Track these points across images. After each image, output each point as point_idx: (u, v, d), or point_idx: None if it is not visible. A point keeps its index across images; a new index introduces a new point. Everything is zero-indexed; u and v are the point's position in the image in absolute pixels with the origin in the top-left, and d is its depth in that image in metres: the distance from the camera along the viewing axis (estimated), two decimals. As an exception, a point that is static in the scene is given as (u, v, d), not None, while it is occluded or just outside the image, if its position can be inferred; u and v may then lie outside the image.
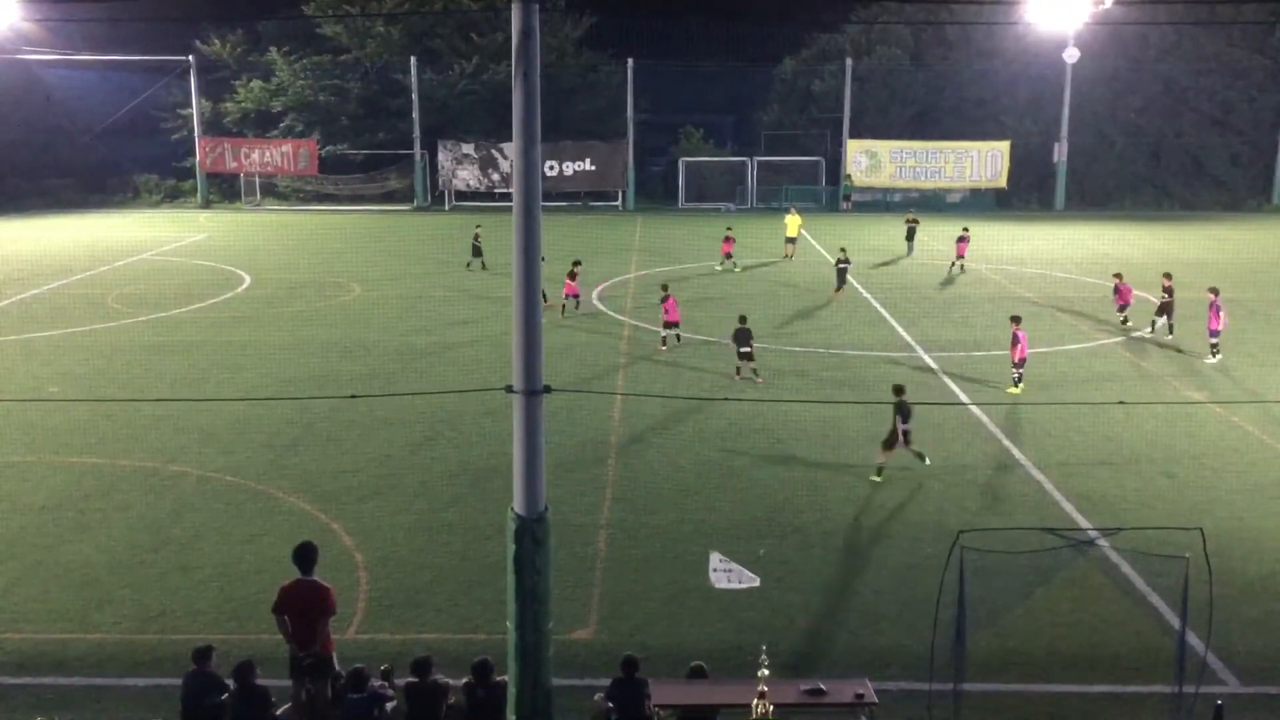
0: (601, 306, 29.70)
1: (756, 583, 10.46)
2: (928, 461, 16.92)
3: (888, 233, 43.97)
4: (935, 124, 57.21)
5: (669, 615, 12.47)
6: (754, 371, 21.96)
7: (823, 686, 9.82)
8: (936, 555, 13.23)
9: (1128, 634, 12.02)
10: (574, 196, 54.48)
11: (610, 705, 9.67)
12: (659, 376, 22.51)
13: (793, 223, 38.64)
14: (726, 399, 19.65)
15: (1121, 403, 19.95)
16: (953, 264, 35.28)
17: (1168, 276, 26.21)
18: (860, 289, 32.35)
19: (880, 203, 56.01)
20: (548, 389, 9.35)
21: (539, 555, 9.39)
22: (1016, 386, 21.24)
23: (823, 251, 39.88)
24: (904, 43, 58.05)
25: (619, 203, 54.92)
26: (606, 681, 10.02)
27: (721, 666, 10.94)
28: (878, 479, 16.54)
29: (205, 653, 10.03)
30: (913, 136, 56.45)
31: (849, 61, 55.71)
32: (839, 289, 31.53)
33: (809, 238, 42.29)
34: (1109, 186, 57.83)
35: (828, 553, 14.11)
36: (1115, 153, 57.53)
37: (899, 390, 16.84)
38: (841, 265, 31.68)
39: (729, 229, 37.88)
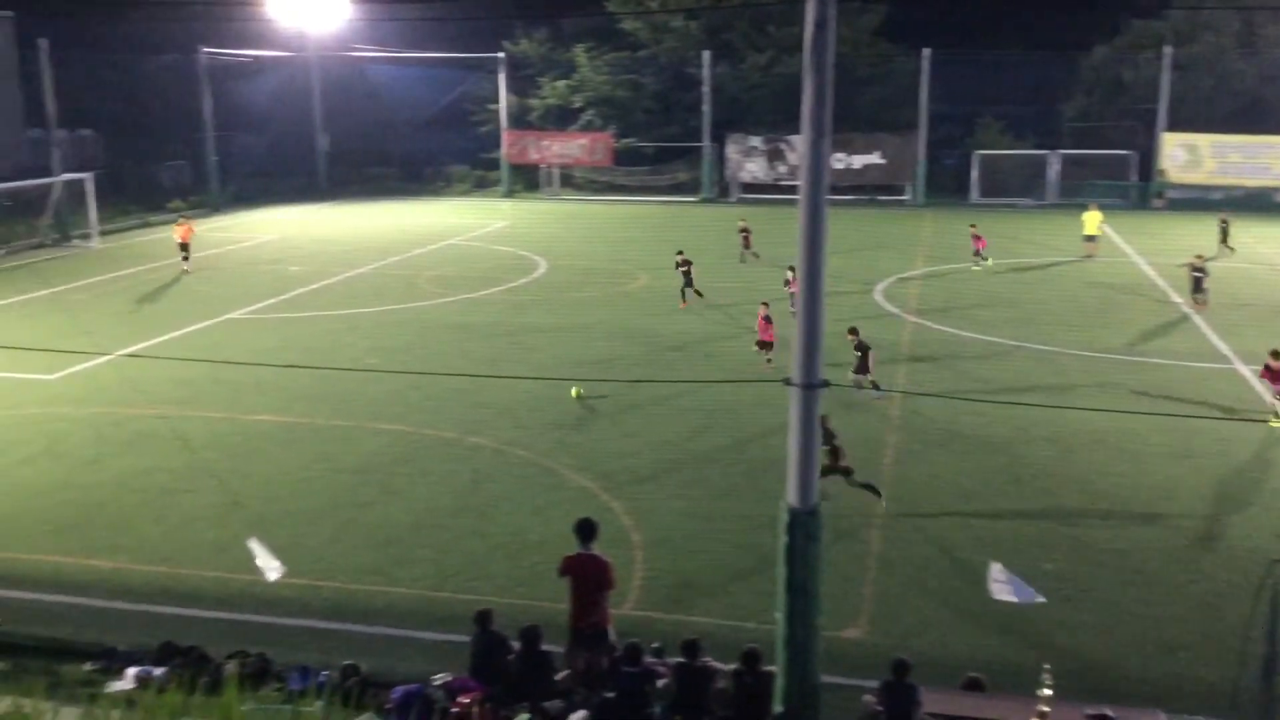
0: (885, 304, 29.15)
1: (1040, 599, 10.01)
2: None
3: (1205, 233, 40.64)
4: (1266, 116, 52.18)
5: (943, 622, 12.14)
6: (873, 385, 20.35)
7: (1110, 714, 9.24)
8: (1245, 584, 12.21)
9: None
10: (861, 190, 53.62)
11: (880, 708, 9.53)
12: (942, 376, 21.87)
13: (1091, 219, 36.37)
14: (1013, 403, 18.83)
15: None
16: None
17: None
18: (1170, 292, 30.07)
19: (1198, 200, 51.73)
20: (826, 383, 9.32)
21: (811, 549, 9.38)
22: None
23: (1128, 251, 37.39)
24: (1233, 28, 53.27)
25: (908, 196, 53.60)
26: (875, 683, 9.89)
27: (997, 681, 10.54)
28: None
29: (486, 615, 10.68)
30: (1238, 130, 51.77)
31: (1168, 49, 51.77)
32: (1196, 297, 27.70)
33: (1114, 236, 39.75)
34: None
35: (1121, 573, 13.28)
36: None
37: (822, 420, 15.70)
38: (1196, 273, 27.69)
39: (973, 225, 35.71)
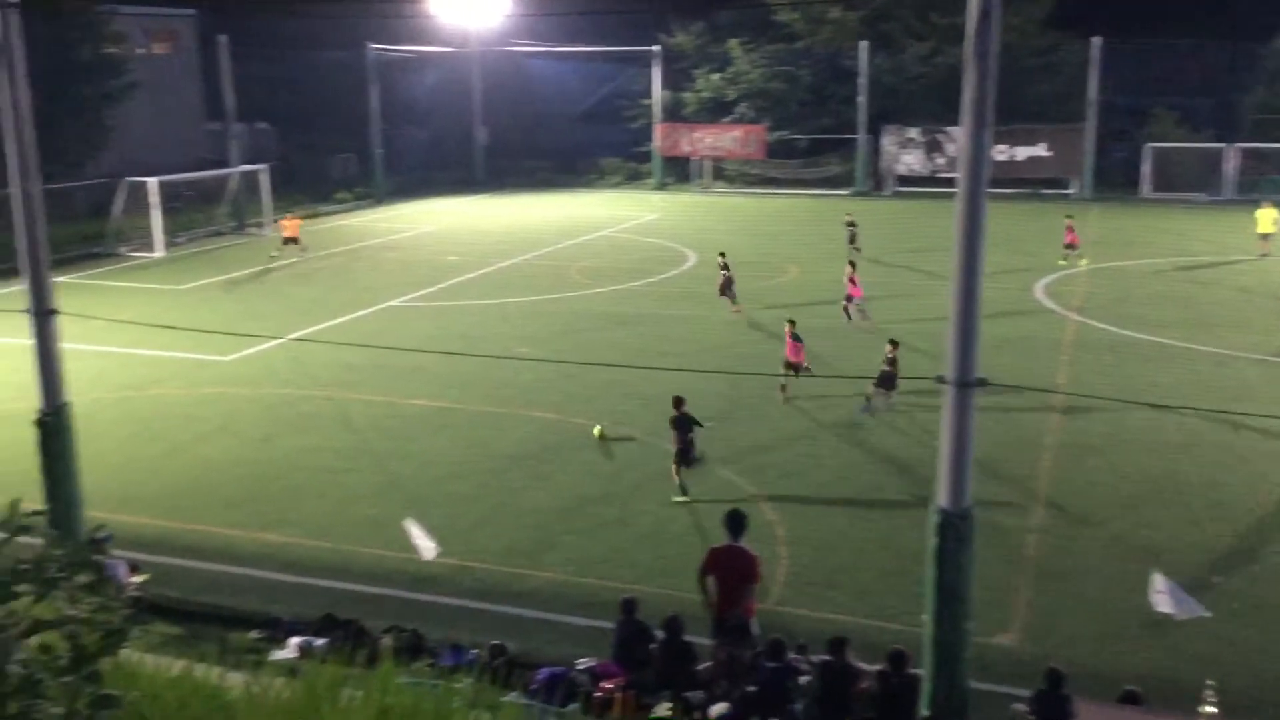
0: (1045, 301, 28.18)
1: (1205, 613, 9.55)
2: (681, 498, 15.09)
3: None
4: None
5: (1099, 633, 11.69)
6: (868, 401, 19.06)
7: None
8: None
9: None
10: (1024, 183, 51.87)
11: (1032, 718, 9.26)
12: (1107, 378, 21.01)
13: (1265, 216, 34.30)
14: (1185, 408, 17.97)
15: None
16: None
17: None
18: (1360, 295, 28.19)
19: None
20: (982, 382, 9.09)
21: (962, 552, 9.17)
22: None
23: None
24: None
25: (1074, 190, 51.62)
26: (1026, 692, 9.61)
27: (1156, 696, 10.10)
28: (681, 499, 15.03)
29: (631, 604, 10.81)
30: None
31: (1364, 34, 48.45)
32: None
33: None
34: None
35: (1296, 589, 12.56)
36: None
37: (679, 402, 15.71)
38: None
39: (1069, 217, 33.96)
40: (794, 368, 19.86)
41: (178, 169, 43.97)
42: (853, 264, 26.42)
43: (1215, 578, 12.72)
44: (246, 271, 33.38)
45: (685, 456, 15.65)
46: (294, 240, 34.85)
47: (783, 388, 19.89)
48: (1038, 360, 22.20)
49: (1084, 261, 32.74)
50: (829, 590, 12.71)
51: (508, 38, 58.89)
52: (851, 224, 34.81)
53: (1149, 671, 10.80)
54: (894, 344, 19.23)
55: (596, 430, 17.56)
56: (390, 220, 45.94)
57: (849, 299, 25.60)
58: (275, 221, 37.14)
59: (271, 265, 34.02)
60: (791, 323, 20.27)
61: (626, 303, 28.33)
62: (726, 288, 26.73)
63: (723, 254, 27.92)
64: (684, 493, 15.27)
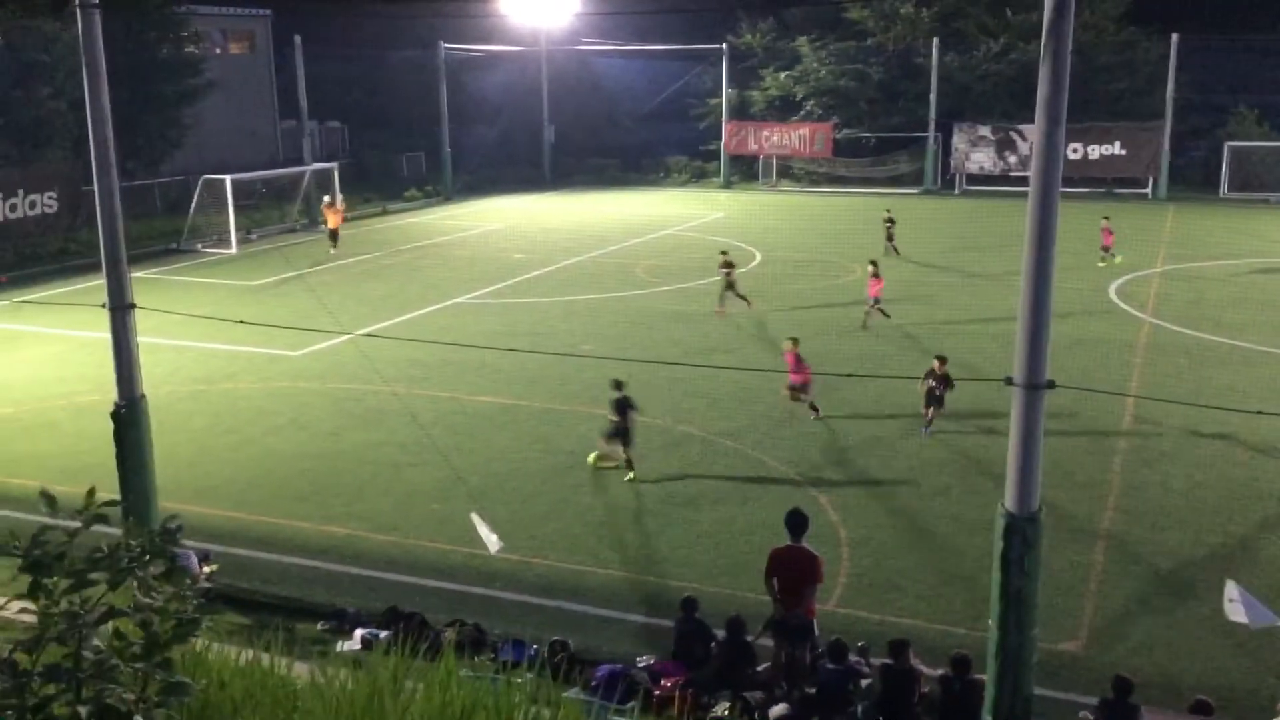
0: (1119, 302, 27.63)
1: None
2: (628, 476, 15.87)
3: None
4: None
5: (1170, 641, 11.45)
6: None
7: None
8: None
9: None
10: (1097, 182, 50.89)
11: (1096, 726, 9.11)
12: (1181, 382, 20.55)
13: None
14: (1262, 413, 17.49)
15: None
16: None
17: None
18: None
19: None
20: (1051, 384, 8.94)
21: (1029, 556, 9.03)
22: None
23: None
24: None
25: (1148, 190, 50.52)
26: (1093, 700, 9.44)
27: (1229, 707, 9.88)
28: (601, 465, 16.21)
29: (692, 603, 10.81)
30: None
31: None
32: None
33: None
34: None
35: (1377, 602, 12.18)
36: None
37: (618, 385, 16.30)
38: None
39: (1106, 218, 33.14)
40: (799, 390, 18.51)
41: (252, 167, 44.87)
42: (874, 263, 25.63)
43: (1293, 588, 12.40)
44: (318, 268, 33.93)
45: (624, 436, 16.13)
46: (335, 233, 35.42)
47: (800, 400, 18.62)
48: (1110, 362, 21.78)
49: (1119, 260, 32.12)
50: (891, 593, 12.60)
51: (576, 36, 59.17)
52: (890, 221, 34.58)
53: (1220, 681, 10.56)
54: (941, 360, 18.02)
55: (590, 458, 16.53)
56: (458, 218, 46.39)
57: (874, 300, 25.01)
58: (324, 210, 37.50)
59: (329, 261, 34.53)
60: (794, 340, 18.87)
61: (691, 301, 28.30)
62: (731, 285, 26.34)
63: (724, 252, 27.71)
64: (622, 465, 16.09)
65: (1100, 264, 31.90)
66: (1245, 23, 47.11)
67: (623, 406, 16.15)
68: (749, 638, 10.56)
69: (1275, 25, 47.87)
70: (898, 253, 33.96)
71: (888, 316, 24.97)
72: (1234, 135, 51.02)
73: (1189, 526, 14.18)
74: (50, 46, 37.23)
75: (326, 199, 38.26)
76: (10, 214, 36.18)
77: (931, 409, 17.83)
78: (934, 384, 17.83)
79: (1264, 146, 50.37)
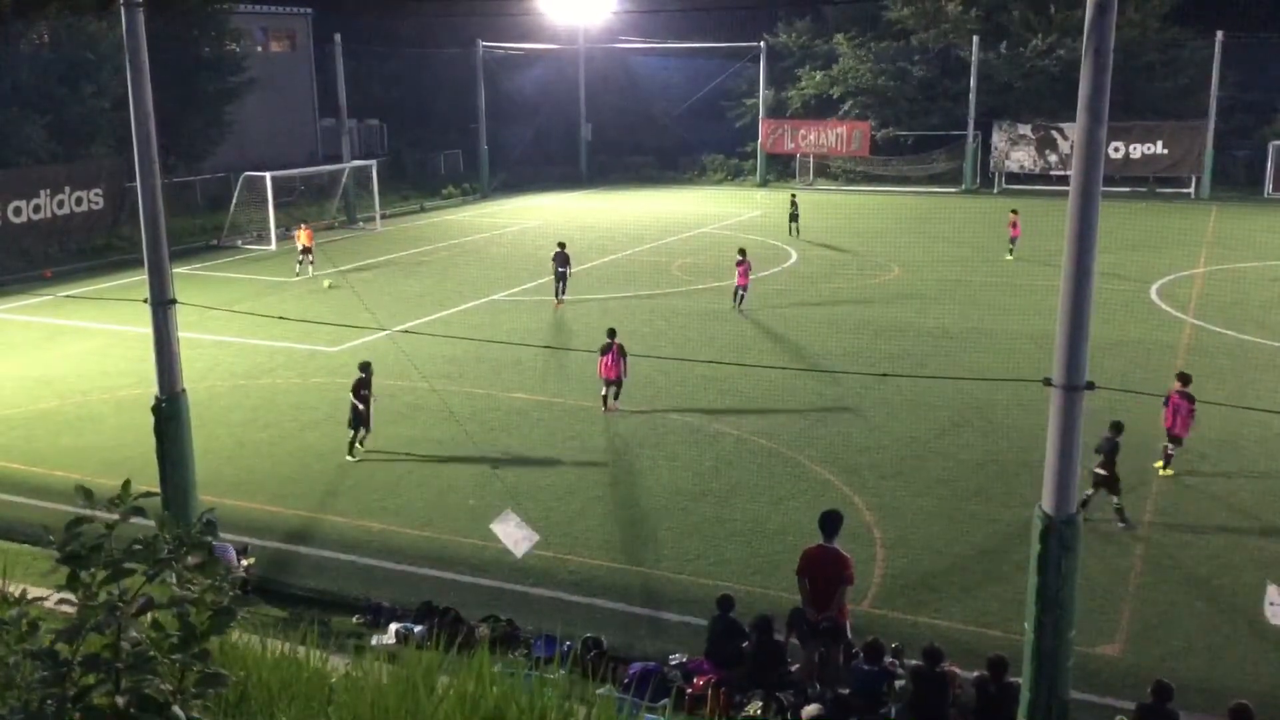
0: (1160, 303, 27.28)
1: (1324, 628, 9.17)
2: (350, 456, 16.71)
3: None
4: None
5: (1209, 646, 11.30)
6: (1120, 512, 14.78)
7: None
8: None
9: None
10: (1139, 181, 50.27)
11: (1135, 731, 9.00)
12: (1223, 384, 20.26)
13: None
14: (1306, 417, 17.22)
15: None
16: None
17: None
18: None
19: None
20: (1091, 385, 8.85)
21: (1066, 559, 8.95)
22: (1166, 467, 15.99)
23: None
24: None
25: (1191, 190, 49.83)
26: (1131, 705, 9.34)
27: (1268, 713, 9.73)
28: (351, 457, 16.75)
29: (728, 602, 10.79)
30: None
31: None
32: None
33: None
34: None
35: None
36: None
37: (364, 368, 17.24)
38: None
39: (1013, 211, 34.30)
40: (611, 384, 18.88)
41: (292, 164, 45.26)
42: (742, 250, 27.43)
43: (1336, 594, 12.19)
44: (357, 264, 34.17)
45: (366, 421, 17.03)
46: (309, 250, 32.69)
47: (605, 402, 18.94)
48: (1150, 364, 21.52)
49: (1010, 256, 33.49)
50: (926, 594, 12.52)
51: (614, 35, 59.18)
52: (794, 204, 38.38)
53: (1262, 687, 10.41)
54: (1117, 427, 14.56)
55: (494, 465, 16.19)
56: (495, 215, 46.57)
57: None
58: (293, 232, 34.97)
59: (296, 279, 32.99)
60: (612, 339, 19.05)
61: (726, 299, 28.23)
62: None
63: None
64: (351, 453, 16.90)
65: (1008, 256, 33.40)
66: (1292, 20, 46.30)
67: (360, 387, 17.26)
68: (779, 637, 10.54)
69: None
70: (798, 234, 37.57)
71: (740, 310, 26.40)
72: (1279, 134, 50.18)
73: (1227, 531, 13.99)
74: (95, 45, 37.74)
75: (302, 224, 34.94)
76: (58, 210, 36.75)
77: (1098, 492, 14.25)
78: (1101, 471, 14.18)
79: (1311, 146, 49.46)
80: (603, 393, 19.05)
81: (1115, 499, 14.03)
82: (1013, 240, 33.83)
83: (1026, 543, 9.36)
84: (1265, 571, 12.37)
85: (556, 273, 28.10)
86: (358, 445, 17.08)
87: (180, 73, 39.56)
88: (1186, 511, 14.62)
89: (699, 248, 36.82)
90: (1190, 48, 51.39)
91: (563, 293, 28.00)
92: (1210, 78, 48.68)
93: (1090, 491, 13.79)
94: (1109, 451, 14.09)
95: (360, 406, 17.04)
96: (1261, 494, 15.17)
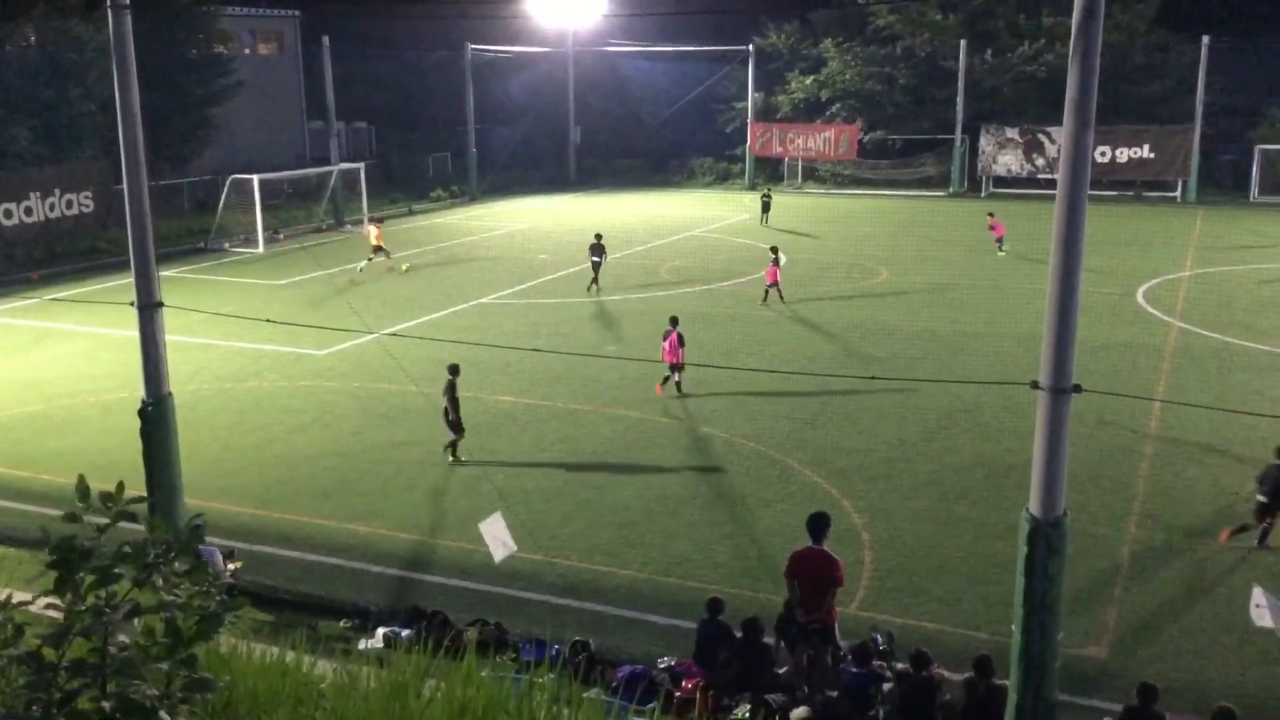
0: (1147, 306, 27.41)
1: (1308, 630, 9.22)
2: (452, 459, 16.64)
3: None
4: None
5: (1195, 648, 11.35)
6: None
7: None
8: None
9: None
10: (1126, 185, 50.50)
11: (1121, 732, 9.04)
12: (1209, 386, 20.36)
13: None
14: (1291, 419, 17.32)
15: None
16: None
17: None
18: None
19: None
20: (1078, 388, 8.89)
21: (1053, 561, 8.98)
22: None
23: None
24: None
25: (1177, 193, 50.09)
26: (1117, 706, 9.38)
27: (1253, 715, 9.78)
28: (453, 459, 16.71)
29: (717, 604, 10.80)
30: None
31: None
32: None
33: None
34: None
35: None
36: None
37: (453, 370, 16.92)
38: None
39: (990, 214, 36.41)
40: (675, 369, 20.09)
41: (280, 167, 45.14)
42: (774, 248, 28.96)
43: (1321, 596, 12.26)
44: (345, 267, 34.10)
45: (456, 426, 16.79)
46: (380, 249, 33.15)
47: (663, 382, 20.16)
48: (1138, 367, 21.63)
49: (1002, 252, 34.79)
50: (915, 596, 12.54)
51: (602, 38, 59.22)
52: (767, 196, 40.61)
53: (1246, 689, 10.46)
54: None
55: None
56: (484, 218, 46.52)
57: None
58: (366, 226, 35.98)
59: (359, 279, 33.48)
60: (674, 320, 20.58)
61: (715, 303, 28.28)
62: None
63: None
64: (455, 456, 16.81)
65: (1000, 253, 34.57)
66: (1278, 26, 46.55)
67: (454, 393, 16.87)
68: (768, 639, 10.55)
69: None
70: (767, 224, 40.52)
71: (783, 300, 27.64)
72: (1265, 138, 50.48)
73: (1215, 532, 14.04)
74: (82, 47, 37.61)
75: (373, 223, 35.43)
76: (49, 213, 36.63)
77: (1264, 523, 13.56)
78: (1261, 498, 13.65)
79: (1296, 150, 49.74)
80: (666, 376, 20.04)
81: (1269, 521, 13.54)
82: (999, 239, 34.92)
83: (1014, 545, 9.39)
84: (1251, 574, 12.44)
85: (592, 262, 29.71)
86: (455, 450, 16.79)
87: (167, 75, 39.46)
88: (1172, 513, 14.68)
89: (687, 250, 36.85)
90: (1177, 52, 51.67)
91: (597, 281, 29.62)
92: (1197, 82, 48.96)
93: (1265, 523, 13.40)
94: (1276, 480, 13.42)
95: (449, 410, 16.71)
96: (1247, 497, 15.21)
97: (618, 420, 18.82)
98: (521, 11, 54.52)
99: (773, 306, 27.51)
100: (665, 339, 20.22)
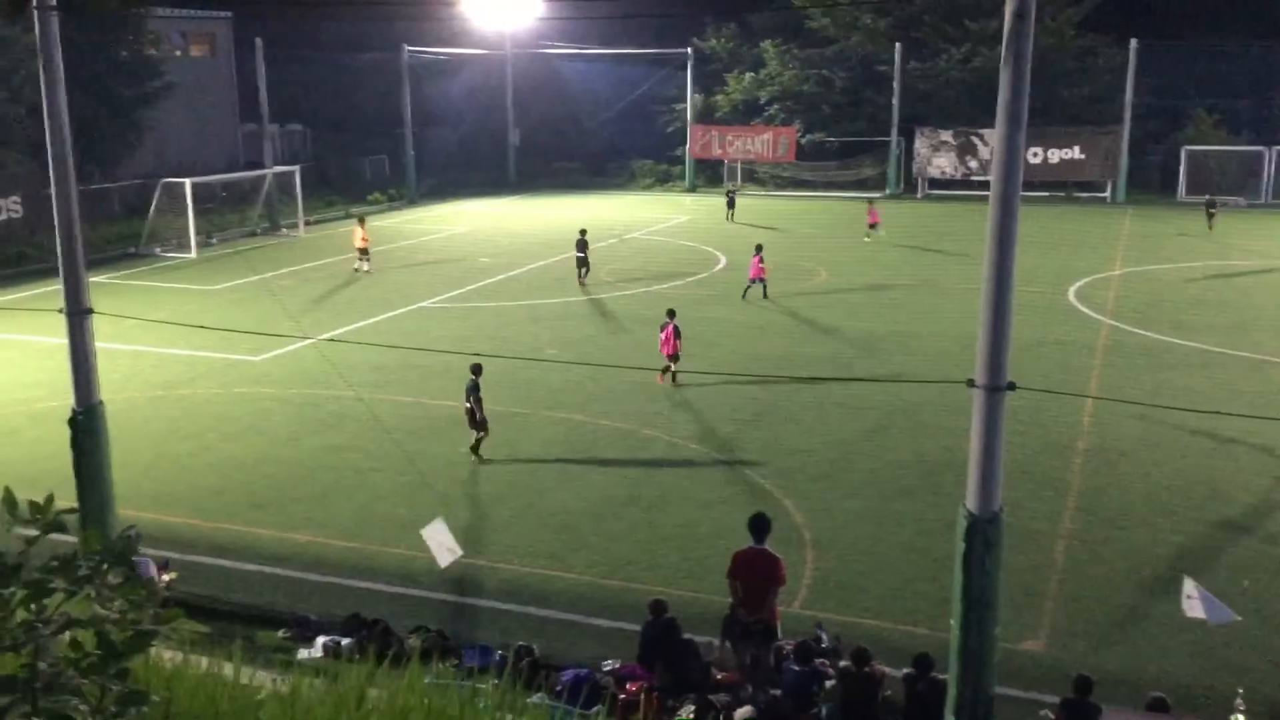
0: (1078, 305, 27.96)
1: (1236, 619, 9.46)
2: (475, 457, 16.78)
3: None
4: None
5: (1129, 639, 11.60)
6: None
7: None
8: None
9: None
10: (1057, 186, 51.49)
11: (1057, 724, 9.20)
12: (1140, 383, 20.82)
13: None
14: (1219, 413, 17.76)
15: None
16: None
17: None
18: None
19: None
20: (1012, 386, 9.03)
21: (989, 557, 9.12)
22: None
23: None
24: None
25: (1107, 194, 51.17)
26: (1055, 698, 9.54)
27: (1186, 704, 10.02)
28: (476, 458, 16.80)
29: (661, 606, 10.83)
30: None
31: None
32: None
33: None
34: None
35: (1330, 598, 12.38)
36: None
37: (476, 370, 16.84)
38: None
39: (871, 201, 39.93)
40: (672, 359, 20.73)
41: (212, 170, 44.45)
42: (759, 246, 29.33)
43: (1246, 583, 12.59)
44: (280, 272, 33.66)
45: (483, 425, 16.91)
46: (365, 251, 32.94)
47: (664, 373, 20.70)
48: (1070, 364, 22.04)
49: (883, 234, 37.81)
50: (855, 593, 12.67)
51: (540, 40, 59.08)
52: (732, 191, 42.66)
53: (1179, 679, 10.70)
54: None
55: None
56: (422, 221, 46.18)
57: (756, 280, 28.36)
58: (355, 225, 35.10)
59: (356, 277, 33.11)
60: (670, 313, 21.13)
61: (657, 305, 28.25)
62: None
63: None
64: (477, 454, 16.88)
65: (866, 239, 37.77)
66: (1203, 28, 47.80)
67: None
68: (687, 636, 10.63)
69: (1232, 30, 48.59)
70: (732, 220, 43.16)
71: (766, 297, 28.26)
72: (1192, 139, 51.75)
73: (1146, 526, 14.37)
74: (8, 49, 36.72)
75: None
76: (-21, 219, 35.71)
77: None
78: None
79: (1220, 151, 51.14)
80: (665, 367, 20.64)
81: None
82: (871, 226, 38.42)
83: (952, 542, 9.52)
84: (1182, 565, 12.73)
85: (577, 258, 30.90)
86: (478, 449, 17.01)
87: (96, 78, 38.69)
88: (1106, 508, 14.98)
89: (629, 253, 36.88)
90: (1105, 55, 52.78)
91: (584, 277, 30.83)
92: (1125, 84, 50.04)
93: None
94: None
95: (473, 409, 16.83)
96: (1178, 490, 15.60)
97: (559, 423, 18.78)
98: (458, 14, 54.21)
99: (753, 301, 28.09)
100: (662, 330, 20.81)
